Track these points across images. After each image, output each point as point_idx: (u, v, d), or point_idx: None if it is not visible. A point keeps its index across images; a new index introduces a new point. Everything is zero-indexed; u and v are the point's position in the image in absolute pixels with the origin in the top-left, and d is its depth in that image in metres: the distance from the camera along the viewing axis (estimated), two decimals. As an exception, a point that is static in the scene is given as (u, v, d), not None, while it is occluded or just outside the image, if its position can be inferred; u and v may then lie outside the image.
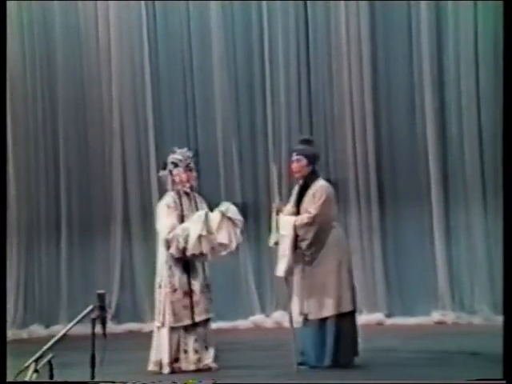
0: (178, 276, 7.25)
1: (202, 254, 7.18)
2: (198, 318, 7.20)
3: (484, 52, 10.35)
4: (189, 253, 7.11)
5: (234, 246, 7.26)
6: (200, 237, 7.07)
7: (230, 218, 7.19)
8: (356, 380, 6.55)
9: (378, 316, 10.32)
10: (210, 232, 7.12)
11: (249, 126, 11.14)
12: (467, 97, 10.47)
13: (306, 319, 7.17)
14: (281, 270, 7.17)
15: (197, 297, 7.22)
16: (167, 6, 11.21)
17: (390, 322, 10.24)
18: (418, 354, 7.80)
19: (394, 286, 10.55)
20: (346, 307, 7.10)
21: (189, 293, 7.21)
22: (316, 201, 7.13)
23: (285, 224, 7.14)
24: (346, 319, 7.11)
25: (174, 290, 7.24)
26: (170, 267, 7.26)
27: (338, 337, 7.03)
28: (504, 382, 4.83)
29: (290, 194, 7.53)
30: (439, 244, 10.46)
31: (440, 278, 10.36)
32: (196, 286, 7.24)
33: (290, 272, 7.16)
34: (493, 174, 10.21)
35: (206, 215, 7.16)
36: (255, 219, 10.88)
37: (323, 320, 7.05)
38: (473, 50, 10.42)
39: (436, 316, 10.23)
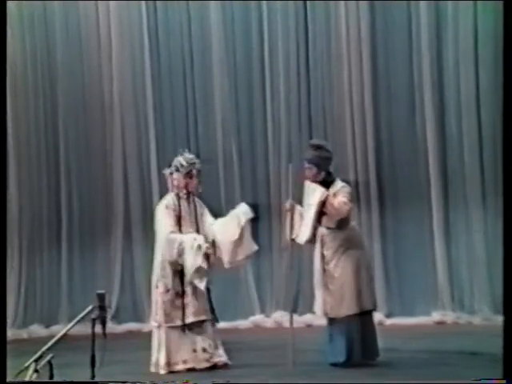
0: (171, 277, 7.23)
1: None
2: (188, 320, 7.17)
3: (484, 52, 10.36)
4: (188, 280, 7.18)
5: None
6: (199, 267, 7.09)
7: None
8: (356, 380, 6.55)
9: (377, 316, 10.27)
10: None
11: (248, 126, 11.13)
12: (467, 97, 10.48)
13: (328, 318, 7.21)
14: (303, 237, 7.18)
15: (188, 298, 7.20)
16: (168, 6, 11.21)
17: (389, 322, 10.23)
18: (418, 353, 7.80)
19: (393, 286, 10.56)
20: (367, 306, 7.16)
21: (181, 294, 7.21)
22: (342, 194, 7.12)
23: (314, 192, 7.10)
24: (367, 318, 7.17)
25: (167, 291, 7.23)
26: (164, 267, 7.24)
27: (361, 335, 7.08)
28: (504, 382, 4.83)
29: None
30: (439, 244, 10.46)
31: (440, 278, 10.37)
32: (188, 287, 7.20)
33: (310, 241, 7.19)
34: (493, 174, 10.22)
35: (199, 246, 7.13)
36: (254, 220, 10.86)
37: (344, 318, 7.07)
38: (472, 50, 10.43)
39: (436, 316, 10.24)
